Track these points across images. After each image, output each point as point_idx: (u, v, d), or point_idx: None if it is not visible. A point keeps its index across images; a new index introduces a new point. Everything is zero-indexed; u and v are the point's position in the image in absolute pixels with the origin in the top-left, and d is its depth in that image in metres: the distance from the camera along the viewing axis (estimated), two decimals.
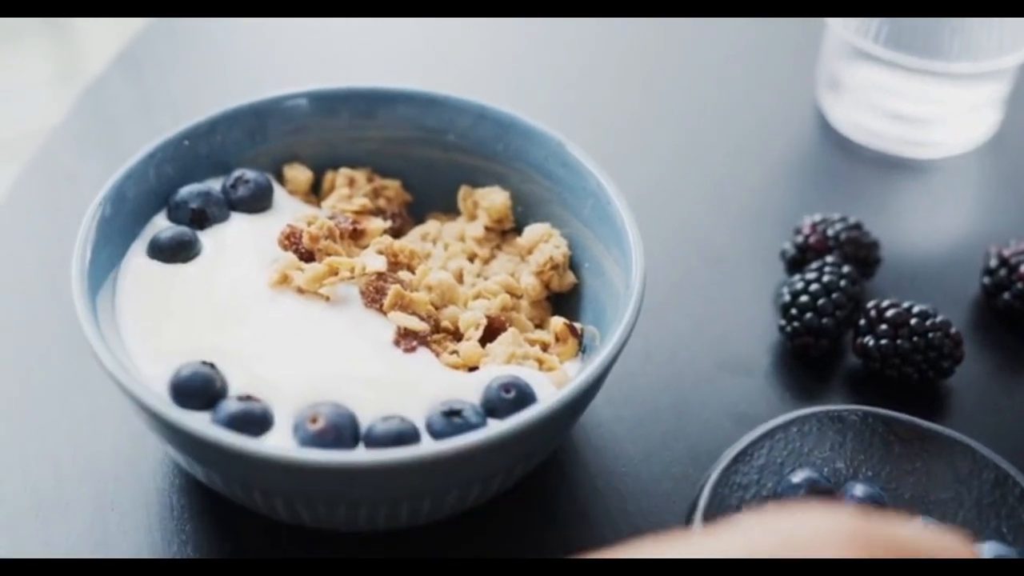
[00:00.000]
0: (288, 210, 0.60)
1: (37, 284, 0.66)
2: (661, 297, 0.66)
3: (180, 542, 0.53)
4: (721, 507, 0.49)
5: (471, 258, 0.60)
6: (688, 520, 0.48)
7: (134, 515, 0.54)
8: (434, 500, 0.49)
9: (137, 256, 0.56)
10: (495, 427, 0.47)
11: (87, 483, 0.56)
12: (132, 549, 0.53)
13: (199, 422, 0.47)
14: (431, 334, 0.54)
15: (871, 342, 0.61)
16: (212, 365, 0.50)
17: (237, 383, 0.50)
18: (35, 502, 0.55)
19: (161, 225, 0.57)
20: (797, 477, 0.51)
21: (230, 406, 0.49)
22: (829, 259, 0.64)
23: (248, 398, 0.49)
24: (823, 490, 0.50)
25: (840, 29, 0.75)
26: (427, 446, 0.47)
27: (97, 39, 1.79)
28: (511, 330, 0.55)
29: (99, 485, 0.56)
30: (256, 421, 0.49)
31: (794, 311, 0.62)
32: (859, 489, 0.50)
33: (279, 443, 0.48)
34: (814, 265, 0.64)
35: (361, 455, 0.46)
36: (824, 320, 0.62)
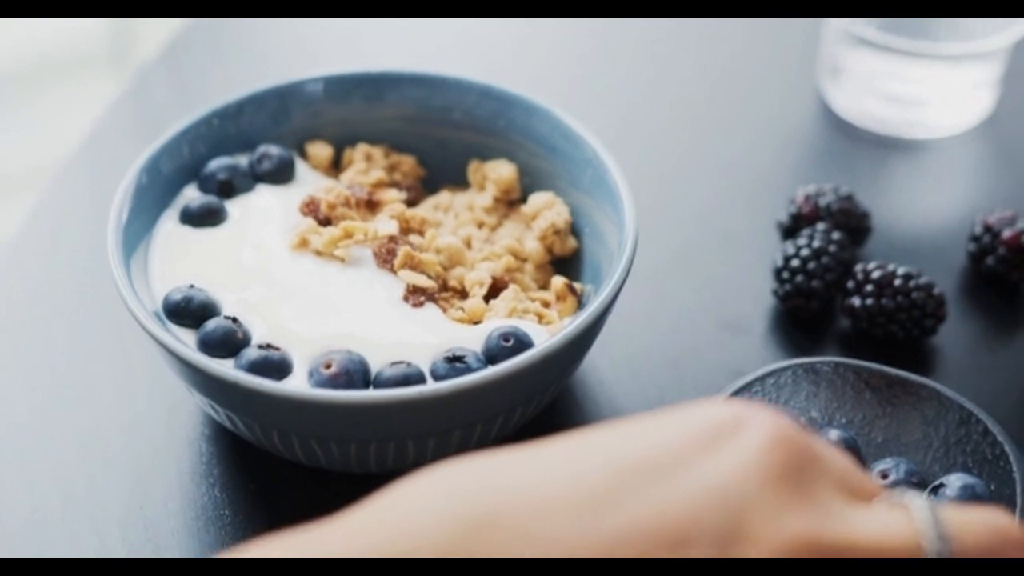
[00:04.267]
0: (309, 182, 0.64)
1: (79, 259, 0.71)
2: (663, 265, 0.70)
3: (208, 484, 0.58)
4: None
5: (479, 226, 0.64)
6: None
7: (167, 461, 0.59)
8: (439, 440, 0.53)
9: (168, 223, 0.61)
10: (492, 370, 0.51)
11: (126, 433, 0.61)
12: (166, 489, 0.58)
13: (222, 367, 0.52)
14: (439, 292, 0.59)
15: (858, 302, 0.64)
16: (235, 319, 0.55)
17: (259, 334, 0.55)
18: (81, 454, 0.60)
19: (191, 196, 0.62)
20: None
21: (251, 354, 0.53)
22: (820, 226, 0.67)
23: (268, 347, 0.54)
24: None
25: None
26: (429, 386, 0.51)
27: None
28: (512, 287, 0.59)
29: (137, 436, 0.60)
30: (275, 367, 0.53)
31: (786, 274, 0.66)
32: (833, 434, 0.54)
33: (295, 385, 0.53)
34: (806, 232, 0.67)
35: (368, 393, 0.51)
36: (814, 282, 0.65)
